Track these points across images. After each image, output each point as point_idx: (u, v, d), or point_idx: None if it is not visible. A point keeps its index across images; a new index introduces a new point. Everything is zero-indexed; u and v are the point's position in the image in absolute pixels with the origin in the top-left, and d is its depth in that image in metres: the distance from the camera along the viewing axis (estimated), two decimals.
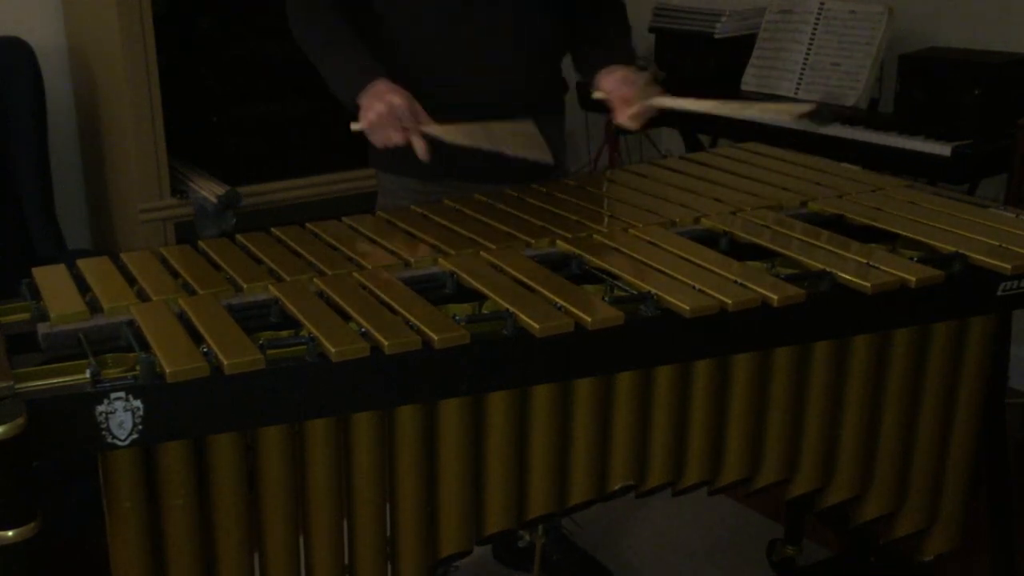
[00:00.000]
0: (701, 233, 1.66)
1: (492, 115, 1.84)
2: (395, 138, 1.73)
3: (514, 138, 1.75)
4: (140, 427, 1.18)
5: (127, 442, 1.18)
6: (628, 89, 1.81)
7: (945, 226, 1.66)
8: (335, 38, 1.89)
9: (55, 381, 1.20)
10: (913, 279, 1.48)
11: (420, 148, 1.73)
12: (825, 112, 1.74)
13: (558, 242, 1.61)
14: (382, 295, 1.39)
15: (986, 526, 1.90)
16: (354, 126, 1.78)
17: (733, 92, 3.23)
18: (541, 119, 1.92)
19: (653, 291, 1.40)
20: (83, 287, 1.44)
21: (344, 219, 1.72)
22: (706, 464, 1.54)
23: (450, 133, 1.73)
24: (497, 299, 1.39)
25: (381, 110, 1.73)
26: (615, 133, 3.62)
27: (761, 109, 1.77)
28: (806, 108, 1.73)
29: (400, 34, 1.94)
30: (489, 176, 1.90)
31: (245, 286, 1.43)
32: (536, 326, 1.32)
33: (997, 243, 1.59)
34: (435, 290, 1.47)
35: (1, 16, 2.81)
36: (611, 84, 1.85)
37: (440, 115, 1.77)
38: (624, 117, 1.81)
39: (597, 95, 1.90)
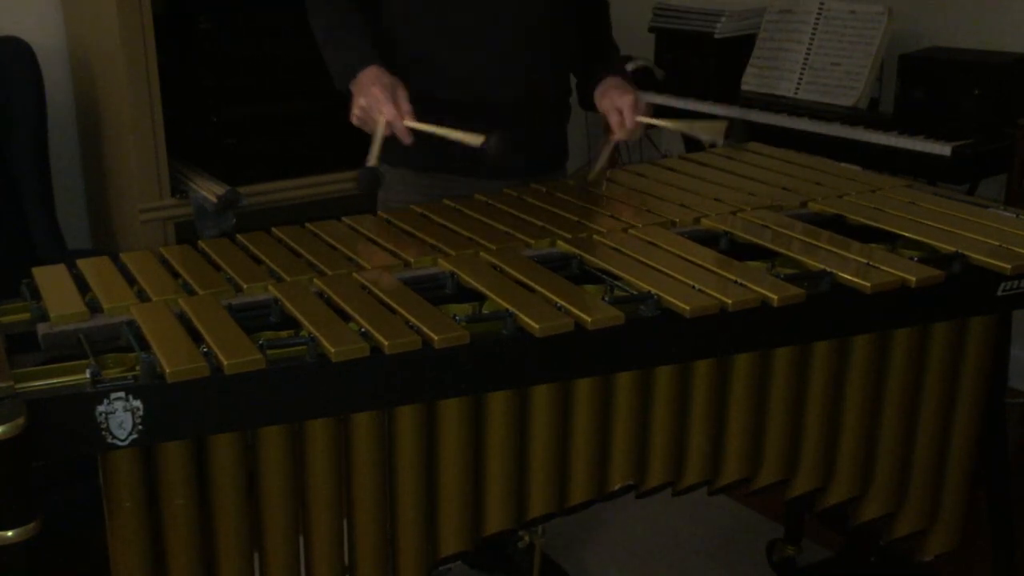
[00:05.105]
0: (701, 233, 1.66)
1: (491, 109, 1.88)
2: (379, 130, 1.73)
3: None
4: (140, 427, 1.18)
5: (127, 442, 1.18)
6: (620, 116, 1.88)
7: (945, 226, 1.66)
8: (338, 22, 1.90)
9: (55, 381, 1.20)
10: (913, 279, 1.48)
11: (403, 135, 1.73)
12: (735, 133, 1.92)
13: (558, 242, 1.61)
14: (382, 295, 1.39)
15: (986, 526, 1.90)
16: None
17: (733, 92, 3.23)
18: (544, 117, 1.97)
19: (653, 291, 1.40)
20: (83, 287, 1.44)
21: (344, 219, 1.72)
22: (706, 464, 1.54)
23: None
24: (497, 299, 1.39)
25: (363, 104, 1.75)
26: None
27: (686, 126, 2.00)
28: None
29: (401, 24, 1.95)
30: (483, 172, 1.90)
31: (245, 286, 1.43)
32: (536, 326, 1.32)
33: (997, 243, 1.59)
34: (435, 290, 1.47)
35: (1, 16, 2.81)
36: (606, 105, 1.92)
37: (444, 109, 1.79)
38: (621, 135, 1.88)
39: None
